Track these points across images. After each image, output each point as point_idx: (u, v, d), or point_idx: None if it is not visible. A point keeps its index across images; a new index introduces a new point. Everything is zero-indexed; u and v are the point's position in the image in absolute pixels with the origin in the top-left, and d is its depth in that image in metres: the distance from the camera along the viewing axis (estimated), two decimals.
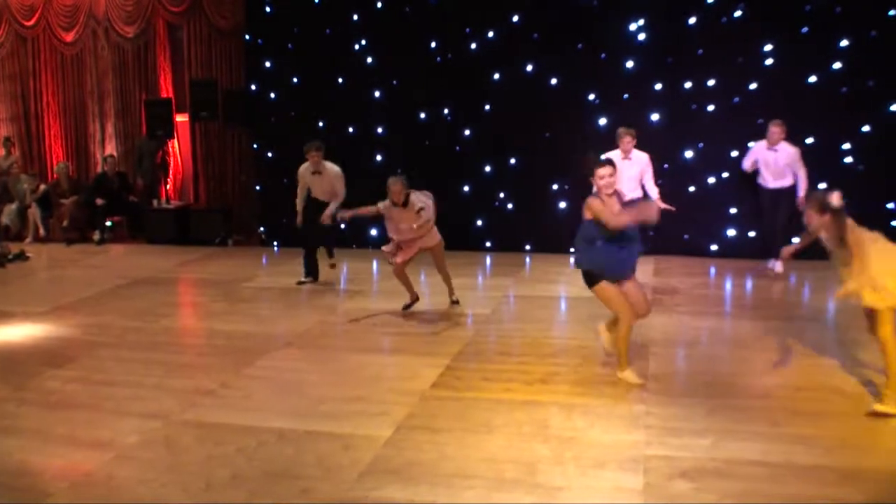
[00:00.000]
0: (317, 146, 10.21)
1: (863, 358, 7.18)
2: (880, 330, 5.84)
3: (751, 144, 10.55)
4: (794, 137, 11.12)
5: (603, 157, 7.34)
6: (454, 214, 12.72)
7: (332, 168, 10.30)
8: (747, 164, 10.59)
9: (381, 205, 8.64)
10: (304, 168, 10.36)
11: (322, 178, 10.25)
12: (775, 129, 10.20)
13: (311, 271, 10.79)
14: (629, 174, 9.46)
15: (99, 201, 14.37)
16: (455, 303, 9.31)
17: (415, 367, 7.26)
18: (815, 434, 5.62)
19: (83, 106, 15.98)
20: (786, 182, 10.28)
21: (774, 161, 10.26)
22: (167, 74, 15.25)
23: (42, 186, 15.05)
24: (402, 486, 5.01)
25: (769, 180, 10.42)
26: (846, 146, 10.62)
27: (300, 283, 10.69)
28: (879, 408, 5.91)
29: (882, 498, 4.77)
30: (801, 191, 10.00)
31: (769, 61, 11.28)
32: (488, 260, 12.19)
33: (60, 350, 8.02)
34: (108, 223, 14.69)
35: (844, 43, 10.99)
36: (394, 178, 8.54)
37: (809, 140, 10.85)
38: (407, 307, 9.11)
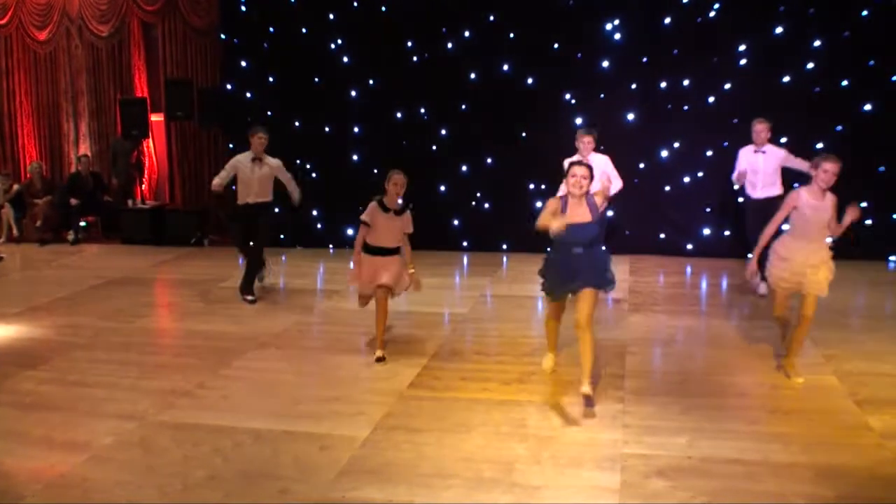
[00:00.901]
0: (266, 129, 9.50)
1: (838, 355, 7.26)
2: (811, 309, 6.61)
3: (740, 153, 9.60)
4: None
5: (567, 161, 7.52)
6: (431, 214, 12.74)
7: (273, 160, 9.56)
8: (737, 175, 9.56)
9: (364, 216, 7.39)
10: (243, 156, 9.46)
11: (261, 168, 9.40)
12: (760, 126, 9.38)
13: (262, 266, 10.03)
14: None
15: (73, 201, 14.24)
16: (380, 359, 7.44)
17: (392, 367, 7.26)
18: (792, 432, 5.67)
19: (57, 105, 15.84)
20: (774, 191, 9.30)
21: (764, 165, 9.36)
22: (142, 74, 15.15)
23: (15, 186, 14.89)
24: (379, 486, 5.01)
25: (756, 188, 9.45)
26: (819, 145, 10.69)
27: (250, 301, 9.62)
28: (795, 378, 6.66)
29: (857, 495, 4.81)
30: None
31: (743, 61, 11.36)
32: (465, 259, 12.20)
33: (34, 351, 7.95)
34: (83, 223, 14.57)
35: (817, 43, 11.09)
36: (398, 171, 7.51)
37: (783, 139, 10.92)
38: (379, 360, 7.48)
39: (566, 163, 7.94)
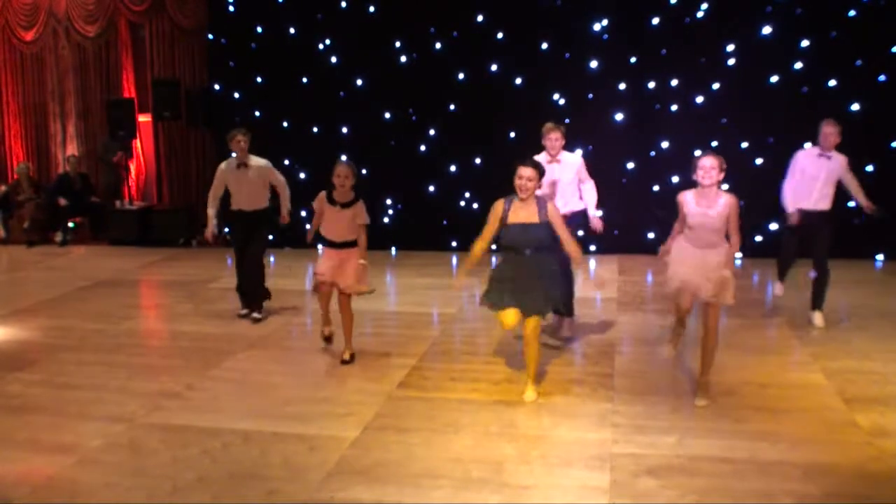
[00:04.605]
0: (244, 131, 8.62)
1: (826, 354, 7.30)
2: (713, 320, 6.21)
3: (798, 155, 8.30)
4: (756, 137, 11.28)
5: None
6: (419, 214, 12.77)
7: (260, 161, 8.73)
8: (791, 184, 8.19)
9: (315, 202, 7.37)
10: (227, 164, 8.69)
11: (248, 173, 8.62)
12: (830, 129, 8.01)
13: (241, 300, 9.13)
14: (563, 180, 7.82)
15: (61, 202, 14.20)
16: (346, 362, 7.40)
17: (381, 367, 7.25)
18: (779, 430, 5.69)
19: (44, 106, 15.75)
20: (827, 203, 8.13)
21: (827, 172, 8.03)
22: (129, 74, 15.08)
23: (2, 187, 14.84)
24: (368, 487, 5.00)
25: (812, 198, 8.09)
26: (807, 145, 10.72)
27: (241, 315, 9.02)
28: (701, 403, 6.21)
29: (845, 492, 4.83)
30: (862, 199, 8.16)
31: (731, 61, 11.40)
32: (454, 260, 12.19)
33: (22, 353, 7.91)
34: (71, 224, 14.51)
35: (805, 43, 11.14)
36: (342, 162, 7.32)
37: (771, 139, 10.98)
38: (327, 338, 7.72)
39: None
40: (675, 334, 6.82)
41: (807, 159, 8.14)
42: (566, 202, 7.69)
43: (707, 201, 6.10)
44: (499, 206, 6.31)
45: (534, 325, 6.28)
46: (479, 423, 5.94)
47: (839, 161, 8.06)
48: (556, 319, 8.07)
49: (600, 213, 8.16)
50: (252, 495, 4.95)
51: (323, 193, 7.26)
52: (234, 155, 8.64)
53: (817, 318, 8.30)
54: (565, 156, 7.89)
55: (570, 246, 6.29)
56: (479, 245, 6.38)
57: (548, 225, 6.21)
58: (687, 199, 6.24)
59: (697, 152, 11.15)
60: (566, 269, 7.72)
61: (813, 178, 8.07)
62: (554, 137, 7.76)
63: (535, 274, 6.21)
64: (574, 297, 8.12)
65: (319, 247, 7.51)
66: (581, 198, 7.98)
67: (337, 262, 7.23)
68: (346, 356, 7.40)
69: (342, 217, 7.19)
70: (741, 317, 8.51)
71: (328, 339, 7.68)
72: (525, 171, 6.19)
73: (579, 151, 8.32)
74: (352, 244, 7.22)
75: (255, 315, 8.88)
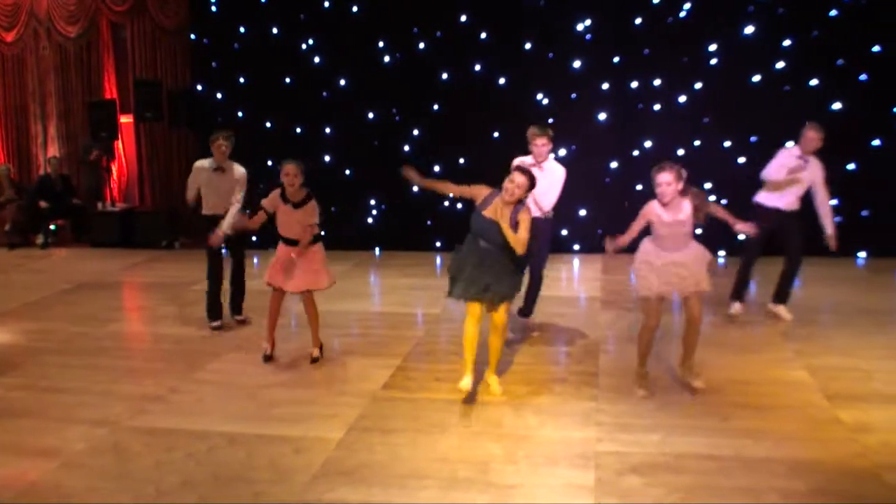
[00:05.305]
0: (226, 134, 8.37)
1: (809, 351, 7.33)
2: (696, 309, 6.31)
3: (780, 152, 8.22)
4: (738, 136, 11.34)
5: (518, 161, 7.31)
6: (403, 215, 12.77)
7: (239, 169, 8.44)
8: (777, 173, 8.03)
9: (264, 201, 7.26)
10: (203, 164, 8.46)
11: (224, 178, 8.36)
12: (813, 134, 7.94)
13: (215, 311, 8.74)
14: (538, 188, 6.80)
15: (42, 204, 14.12)
16: (314, 360, 7.48)
17: (366, 368, 7.24)
18: (764, 427, 5.72)
19: (24, 107, 15.66)
20: (798, 205, 8.17)
21: (803, 176, 8.01)
22: (111, 75, 15.02)
23: None
24: (354, 488, 5.00)
25: (783, 199, 8.14)
26: (789, 144, 10.78)
27: (214, 328, 8.67)
28: (694, 381, 6.43)
29: (828, 488, 4.86)
30: (829, 227, 8.07)
31: (714, 61, 11.45)
32: (438, 260, 12.18)
33: (4, 357, 7.85)
34: (52, 226, 14.43)
35: (787, 43, 11.20)
36: (290, 160, 7.17)
37: (753, 139, 11.02)
38: (267, 358, 7.55)
39: (516, 161, 7.40)
40: (640, 376, 6.68)
41: (788, 158, 8.12)
42: (541, 209, 7.55)
43: (674, 209, 6.19)
44: (484, 190, 6.34)
45: (504, 312, 6.37)
46: (464, 423, 5.94)
47: (815, 167, 8.06)
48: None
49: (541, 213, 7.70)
50: (238, 498, 4.93)
51: (276, 191, 7.23)
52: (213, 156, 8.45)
53: (782, 311, 8.41)
54: (550, 164, 7.64)
55: (508, 234, 6.06)
56: (452, 186, 6.60)
57: (514, 226, 6.11)
58: (656, 210, 6.27)
59: (680, 151, 11.39)
60: (536, 273, 7.87)
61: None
62: (541, 143, 7.51)
63: (489, 266, 6.24)
64: (536, 301, 8.14)
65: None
66: (542, 207, 7.59)
67: (287, 262, 7.28)
68: (315, 353, 7.46)
69: (295, 216, 7.18)
70: (725, 315, 8.54)
71: (268, 357, 7.52)
72: (518, 178, 6.16)
73: (561, 170, 7.71)
74: (309, 242, 7.23)
75: (239, 318, 8.89)
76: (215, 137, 8.35)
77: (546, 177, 7.43)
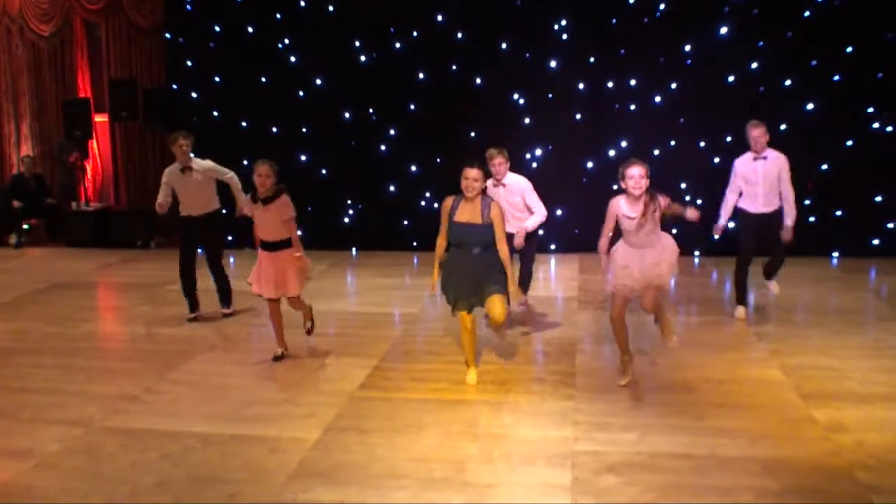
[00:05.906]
0: (184, 134, 8.51)
1: (783, 350, 7.38)
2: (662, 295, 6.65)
3: (736, 164, 8.29)
4: (713, 136, 11.41)
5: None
6: (380, 214, 12.76)
7: (204, 163, 8.65)
8: (733, 194, 8.28)
9: (243, 202, 7.46)
10: (170, 170, 8.61)
11: (192, 177, 8.52)
12: (757, 131, 8.04)
13: (190, 304, 9.02)
14: (509, 202, 7.94)
15: (15, 203, 14.01)
16: (309, 332, 7.87)
17: (342, 368, 7.23)
18: (739, 426, 5.75)
19: None
20: (775, 203, 8.14)
21: (764, 173, 8.05)
22: (85, 74, 14.92)
23: None
24: (331, 488, 4.98)
25: (757, 202, 8.17)
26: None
27: (190, 319, 8.93)
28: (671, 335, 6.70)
29: (802, 487, 4.89)
30: (790, 217, 8.13)
31: (689, 61, 11.51)
32: (415, 260, 12.17)
33: None
34: (26, 226, 14.33)
35: (762, 43, 11.27)
36: (262, 161, 7.17)
37: (728, 139, 11.09)
38: (277, 358, 7.55)
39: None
40: (623, 363, 6.74)
41: (743, 166, 8.20)
42: (510, 225, 7.62)
43: (636, 204, 6.22)
44: (447, 202, 6.52)
45: (502, 311, 6.41)
46: (441, 423, 5.94)
47: (776, 160, 8.09)
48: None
49: (531, 227, 8.10)
50: (213, 498, 4.90)
51: (249, 196, 7.28)
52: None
53: (773, 286, 8.53)
54: (511, 178, 8.10)
55: (501, 244, 6.42)
56: (441, 242, 6.65)
57: (490, 226, 6.37)
58: (622, 208, 6.29)
59: (656, 151, 11.45)
60: (526, 270, 8.25)
61: (753, 183, 8.15)
62: (498, 162, 7.97)
63: (482, 272, 6.42)
64: (530, 280, 8.50)
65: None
66: (533, 227, 8.13)
67: (272, 271, 7.28)
68: (307, 325, 7.79)
69: (268, 214, 7.15)
70: (700, 314, 8.60)
71: (278, 357, 7.53)
72: (471, 173, 6.34)
73: (525, 180, 8.17)
74: (286, 243, 7.23)
75: (226, 311, 9.09)
76: (174, 139, 8.48)
77: (510, 191, 8.05)
